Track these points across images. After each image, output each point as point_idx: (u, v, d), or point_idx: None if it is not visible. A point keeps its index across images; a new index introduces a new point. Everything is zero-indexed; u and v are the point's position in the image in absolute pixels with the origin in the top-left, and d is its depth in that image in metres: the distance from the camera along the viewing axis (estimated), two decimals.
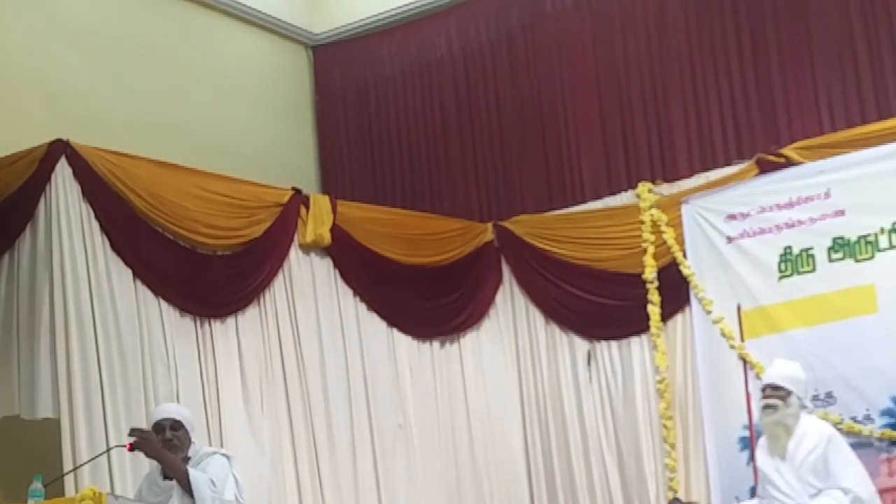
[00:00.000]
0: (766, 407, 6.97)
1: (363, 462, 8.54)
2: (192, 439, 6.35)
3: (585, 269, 9.21)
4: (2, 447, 7.40)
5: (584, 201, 9.44)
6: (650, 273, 8.88)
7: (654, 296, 8.87)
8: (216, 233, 8.09)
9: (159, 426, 6.29)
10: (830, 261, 8.21)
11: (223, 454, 6.36)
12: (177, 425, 6.29)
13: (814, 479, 6.77)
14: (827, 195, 8.25)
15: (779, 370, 7.11)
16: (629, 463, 8.91)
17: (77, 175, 7.47)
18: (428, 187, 10.11)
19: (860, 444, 7.91)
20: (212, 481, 6.06)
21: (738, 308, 8.49)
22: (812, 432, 6.85)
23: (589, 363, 9.17)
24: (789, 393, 6.95)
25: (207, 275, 8.06)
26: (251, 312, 8.22)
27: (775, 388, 6.98)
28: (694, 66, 9.16)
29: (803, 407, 6.98)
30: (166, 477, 6.15)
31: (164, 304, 7.76)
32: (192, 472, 6.04)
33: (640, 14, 9.37)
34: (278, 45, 10.43)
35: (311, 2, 10.70)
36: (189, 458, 6.25)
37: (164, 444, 6.20)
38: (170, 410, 6.47)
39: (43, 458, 7.09)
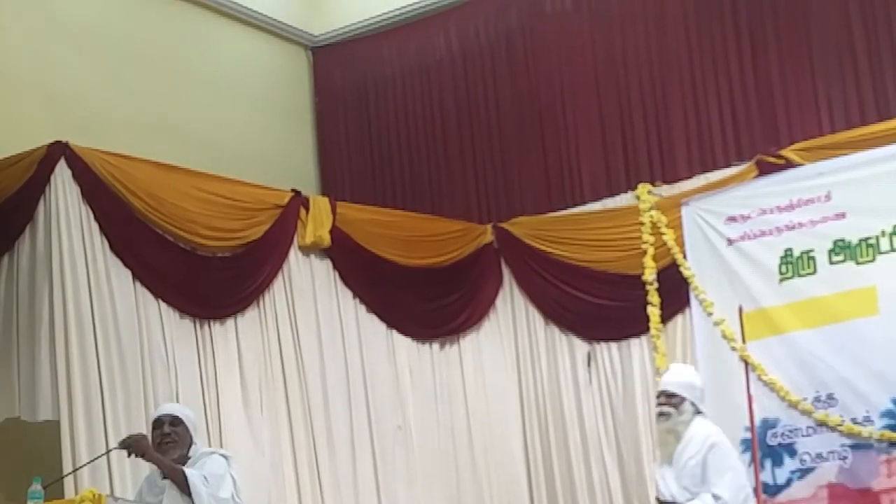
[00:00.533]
0: (660, 415, 6.95)
1: (363, 463, 8.54)
2: (195, 440, 6.34)
3: (585, 270, 9.20)
4: (2, 449, 7.39)
5: (583, 203, 9.44)
6: (650, 274, 8.88)
7: (653, 297, 8.87)
8: (216, 234, 8.08)
9: (159, 421, 6.31)
10: (831, 263, 8.20)
11: (222, 454, 6.36)
12: (176, 421, 6.29)
13: (690, 485, 6.73)
14: (827, 197, 8.25)
15: (673, 377, 7.06)
16: (629, 464, 8.91)
17: (76, 177, 7.46)
18: (427, 189, 10.11)
19: (860, 446, 7.95)
20: (204, 478, 6.07)
21: (740, 310, 8.49)
22: (697, 437, 6.77)
23: (589, 364, 9.17)
24: (683, 400, 6.88)
25: (207, 276, 8.05)
26: (251, 314, 8.21)
27: (669, 395, 6.93)
28: (693, 67, 9.16)
29: (698, 412, 6.90)
30: (164, 476, 6.16)
31: (163, 305, 7.75)
32: (188, 471, 6.04)
33: (639, 15, 9.37)
34: (278, 46, 10.42)
35: (310, 3, 10.70)
36: (189, 458, 6.25)
37: (162, 440, 6.20)
38: (171, 408, 6.51)
39: (43, 459, 7.08)
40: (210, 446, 7.28)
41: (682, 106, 9.18)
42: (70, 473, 6.82)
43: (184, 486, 5.99)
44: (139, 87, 9.02)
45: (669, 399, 6.90)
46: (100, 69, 8.81)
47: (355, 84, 10.49)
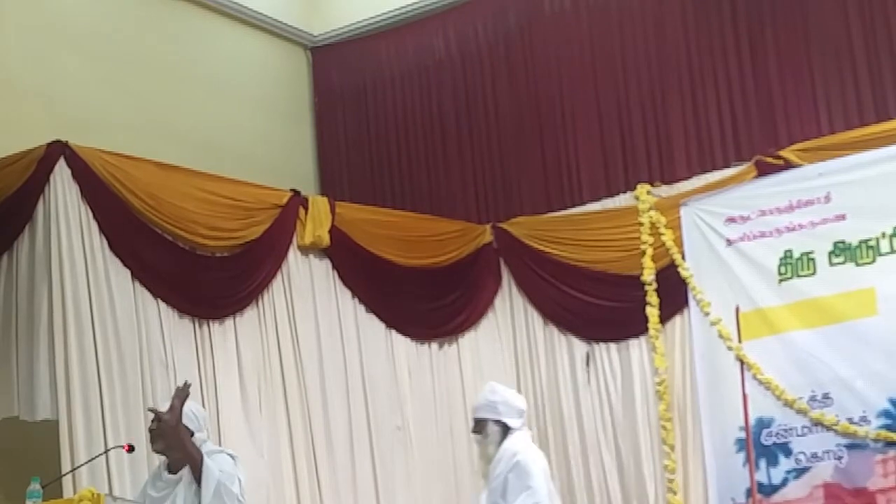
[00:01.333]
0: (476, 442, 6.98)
1: (361, 463, 8.54)
2: (196, 435, 6.32)
3: (584, 270, 9.21)
4: (1, 448, 7.39)
5: (582, 203, 9.44)
6: (649, 275, 8.89)
7: (652, 298, 8.88)
8: (215, 234, 8.08)
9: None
10: (831, 265, 8.21)
11: (229, 453, 6.34)
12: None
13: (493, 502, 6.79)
14: (827, 199, 8.26)
15: (475, 401, 7.09)
16: (628, 465, 8.90)
17: (76, 176, 7.45)
18: (426, 189, 10.11)
19: (856, 445, 7.96)
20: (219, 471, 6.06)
21: (737, 310, 8.49)
22: (506, 456, 6.79)
23: (588, 365, 9.17)
24: (485, 422, 6.90)
25: (206, 276, 8.05)
26: (250, 314, 8.20)
27: (475, 421, 6.98)
28: (692, 67, 9.16)
29: (508, 427, 6.87)
30: (171, 472, 6.14)
31: (162, 305, 7.74)
32: (206, 459, 6.02)
33: (638, 16, 9.37)
34: (277, 46, 10.42)
35: (309, 3, 10.70)
36: None
37: (151, 433, 6.17)
38: None
39: (41, 459, 7.07)
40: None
41: (680, 106, 9.18)
42: (69, 473, 6.81)
43: (198, 470, 5.95)
44: (138, 87, 9.01)
45: (476, 426, 6.95)
46: (99, 70, 8.80)
47: (354, 84, 10.50)
